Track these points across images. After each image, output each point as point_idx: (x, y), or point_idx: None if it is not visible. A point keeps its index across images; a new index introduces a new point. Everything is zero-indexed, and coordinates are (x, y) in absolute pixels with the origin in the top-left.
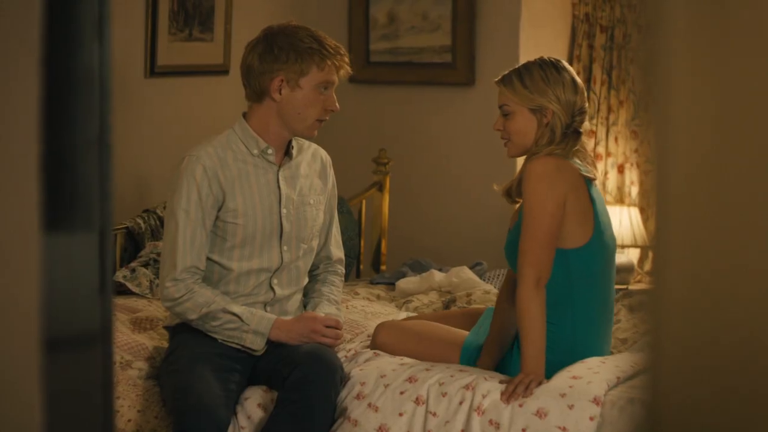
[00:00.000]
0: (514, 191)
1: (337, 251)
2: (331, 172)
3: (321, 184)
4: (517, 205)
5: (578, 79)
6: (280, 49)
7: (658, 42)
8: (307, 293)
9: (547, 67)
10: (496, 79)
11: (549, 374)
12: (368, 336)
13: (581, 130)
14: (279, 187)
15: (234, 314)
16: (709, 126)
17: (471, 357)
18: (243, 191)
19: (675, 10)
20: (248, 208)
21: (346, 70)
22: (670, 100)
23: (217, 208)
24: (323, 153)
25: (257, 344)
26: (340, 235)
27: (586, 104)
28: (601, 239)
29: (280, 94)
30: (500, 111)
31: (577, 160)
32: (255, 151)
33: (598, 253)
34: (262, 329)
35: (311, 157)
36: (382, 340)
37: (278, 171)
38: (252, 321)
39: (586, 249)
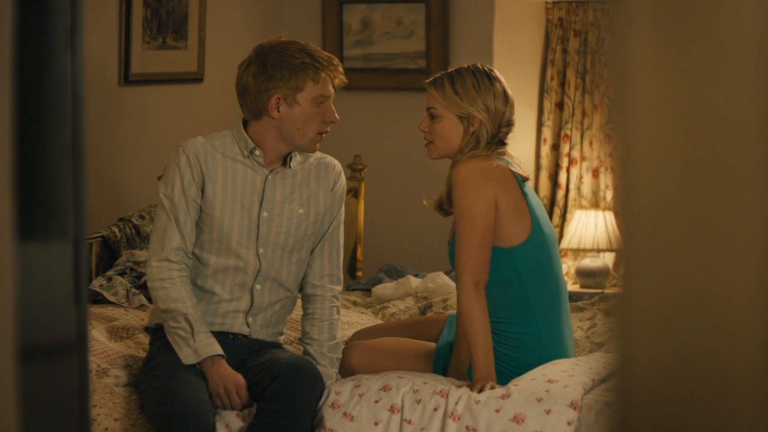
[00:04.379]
0: (445, 203)
1: (330, 266)
2: (337, 180)
3: (321, 194)
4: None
5: (509, 92)
6: (274, 67)
7: (624, 46)
8: (304, 323)
9: (479, 75)
10: (427, 80)
11: (524, 373)
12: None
13: (506, 141)
14: (264, 189)
15: (191, 326)
16: (675, 129)
17: (447, 356)
18: (225, 184)
19: (640, 16)
20: (227, 202)
21: (341, 79)
22: (636, 104)
23: (200, 197)
24: (333, 164)
25: (188, 360)
26: (339, 250)
27: (514, 117)
28: (540, 232)
29: (279, 111)
30: (427, 112)
31: (507, 159)
32: (245, 152)
33: (540, 245)
34: (202, 353)
35: (316, 168)
36: (352, 363)
37: (268, 175)
38: (199, 341)
39: (528, 243)
